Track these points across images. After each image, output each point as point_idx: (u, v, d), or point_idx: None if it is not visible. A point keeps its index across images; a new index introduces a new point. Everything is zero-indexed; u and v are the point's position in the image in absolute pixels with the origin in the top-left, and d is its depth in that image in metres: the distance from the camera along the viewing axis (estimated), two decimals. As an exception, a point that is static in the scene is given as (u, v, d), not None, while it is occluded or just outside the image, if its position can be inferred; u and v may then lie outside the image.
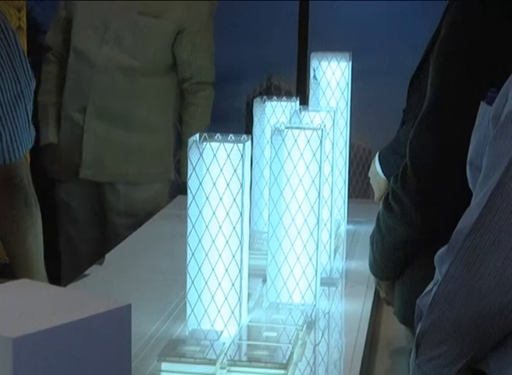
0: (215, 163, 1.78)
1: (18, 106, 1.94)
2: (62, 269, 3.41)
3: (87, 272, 2.33)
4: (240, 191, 1.79)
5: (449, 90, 1.83)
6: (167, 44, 3.38)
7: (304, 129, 1.99)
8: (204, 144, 1.78)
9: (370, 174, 2.36)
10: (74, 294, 0.94)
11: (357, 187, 3.94)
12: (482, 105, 1.44)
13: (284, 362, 1.68)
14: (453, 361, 1.43)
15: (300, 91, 3.93)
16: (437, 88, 1.87)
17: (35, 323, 0.84)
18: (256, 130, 2.46)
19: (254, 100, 2.48)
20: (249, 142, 1.82)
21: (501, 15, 1.78)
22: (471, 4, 1.86)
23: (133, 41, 3.35)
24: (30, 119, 2.00)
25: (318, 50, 3.21)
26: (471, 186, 1.46)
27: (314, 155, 1.97)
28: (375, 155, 2.42)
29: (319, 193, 1.99)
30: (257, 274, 2.07)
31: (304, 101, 2.64)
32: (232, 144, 1.78)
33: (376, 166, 2.30)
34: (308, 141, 1.97)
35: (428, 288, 1.48)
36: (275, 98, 2.47)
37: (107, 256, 2.47)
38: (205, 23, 3.46)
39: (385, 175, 2.24)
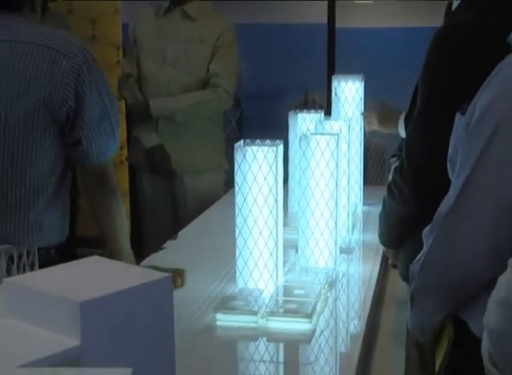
0: (255, 162, 1.79)
1: (104, 123, 1.95)
2: (145, 243, 3.43)
3: (164, 245, 2.35)
4: (275, 183, 1.80)
5: (433, 104, 1.82)
6: (207, 62, 3.33)
7: (324, 134, 2.00)
8: (247, 148, 1.80)
9: None
10: (131, 268, 0.94)
11: (375, 176, 3.92)
12: (458, 115, 1.44)
13: (309, 312, 1.69)
14: (438, 310, 1.43)
15: (330, 104, 3.91)
16: (424, 102, 1.86)
17: (98, 290, 0.84)
18: (290, 135, 2.45)
19: (289, 112, 2.48)
20: (281, 146, 1.82)
21: (473, 42, 1.76)
22: (448, 33, 1.84)
23: (185, 62, 3.33)
24: (116, 132, 2.01)
25: (343, 68, 3.20)
26: (450, 177, 1.46)
27: (332, 154, 1.98)
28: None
29: (337, 183, 1.99)
30: (292, 245, 2.07)
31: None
32: (268, 148, 1.79)
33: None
34: (328, 144, 1.97)
35: (417, 257, 1.48)
36: (305, 110, 2.46)
37: (179, 233, 2.49)
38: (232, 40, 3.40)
39: None
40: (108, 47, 4.68)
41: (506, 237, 1.26)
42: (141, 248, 2.98)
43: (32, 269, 1.02)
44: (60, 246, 2.00)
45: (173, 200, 3.46)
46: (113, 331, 0.84)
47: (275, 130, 2.45)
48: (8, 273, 1.00)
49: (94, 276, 0.89)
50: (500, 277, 1.05)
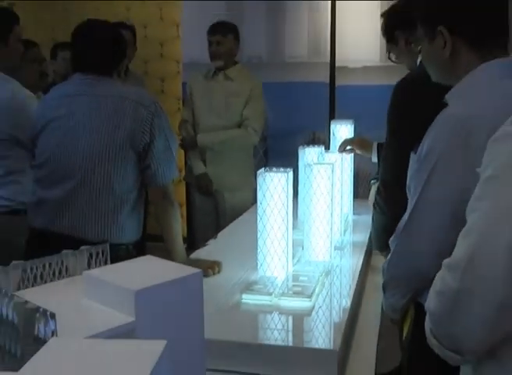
0: (272, 184, 1.78)
1: (168, 154, 1.97)
2: (195, 241, 3.43)
3: (207, 243, 2.34)
4: (286, 199, 1.79)
5: (396, 143, 1.79)
6: (242, 110, 3.34)
7: (323, 164, 1.99)
8: (266, 174, 1.79)
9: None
10: (172, 265, 0.93)
11: (363, 193, 3.87)
12: (412, 154, 1.42)
13: (309, 294, 1.68)
14: (403, 295, 1.41)
15: (329, 141, 3.88)
16: (389, 141, 1.84)
17: (148, 282, 0.83)
18: (300, 164, 2.43)
19: (298, 148, 2.47)
20: (291, 172, 1.81)
21: (424, 92, 1.68)
22: (405, 85, 1.80)
23: (226, 111, 3.34)
24: (176, 160, 2.03)
25: (340, 115, 3.14)
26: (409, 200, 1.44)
27: (329, 178, 1.96)
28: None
29: (332, 198, 1.97)
30: (299, 244, 2.05)
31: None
32: (281, 174, 1.78)
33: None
34: (325, 171, 1.96)
35: (387, 258, 1.47)
36: (311, 146, 2.44)
37: (219, 234, 2.48)
38: (259, 94, 3.39)
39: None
40: (171, 99, 4.73)
41: (446, 244, 1.23)
42: (192, 245, 2.98)
43: (105, 263, 1.02)
44: (136, 243, 2.02)
45: (215, 210, 3.46)
46: (158, 311, 0.83)
47: (291, 159, 2.44)
48: (89, 266, 1.01)
49: (146, 271, 0.89)
50: (437, 274, 1.04)
